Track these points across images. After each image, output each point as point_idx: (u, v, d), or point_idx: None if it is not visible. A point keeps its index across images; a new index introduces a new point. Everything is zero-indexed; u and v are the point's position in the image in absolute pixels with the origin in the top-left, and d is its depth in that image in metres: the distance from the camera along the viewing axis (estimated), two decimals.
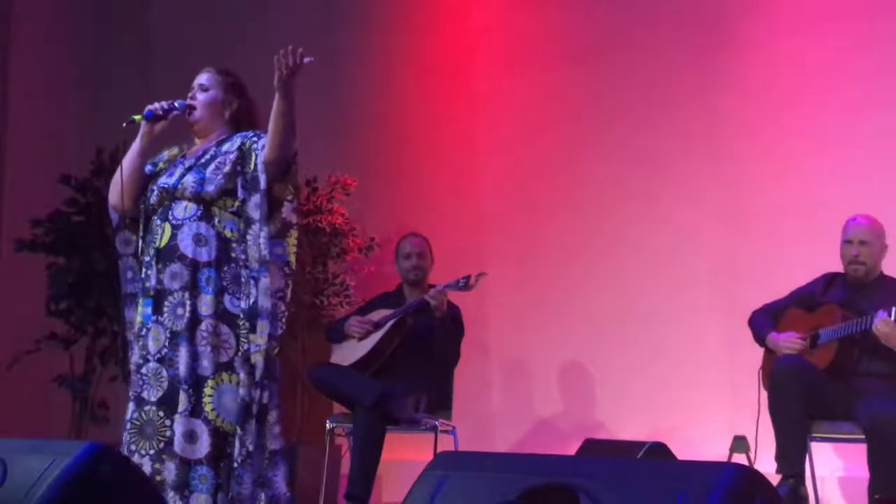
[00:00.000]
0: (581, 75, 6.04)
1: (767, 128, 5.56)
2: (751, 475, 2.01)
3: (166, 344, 3.44)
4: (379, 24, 6.64)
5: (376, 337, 4.90)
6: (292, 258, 3.54)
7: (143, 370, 3.45)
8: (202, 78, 3.68)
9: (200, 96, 3.65)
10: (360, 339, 4.93)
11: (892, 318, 4.11)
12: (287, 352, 5.82)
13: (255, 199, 3.45)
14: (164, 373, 3.42)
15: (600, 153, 5.94)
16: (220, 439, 3.39)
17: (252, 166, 3.48)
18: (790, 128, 5.51)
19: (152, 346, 3.45)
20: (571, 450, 4.81)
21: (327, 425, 4.99)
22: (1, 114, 6.43)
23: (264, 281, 3.44)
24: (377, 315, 4.98)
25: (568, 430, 5.75)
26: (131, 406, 3.46)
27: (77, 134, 6.36)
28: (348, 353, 4.94)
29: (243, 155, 3.51)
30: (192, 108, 3.62)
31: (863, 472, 4.21)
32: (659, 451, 4.24)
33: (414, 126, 6.48)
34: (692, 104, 5.71)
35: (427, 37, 6.54)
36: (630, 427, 5.44)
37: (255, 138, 3.53)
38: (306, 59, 3.35)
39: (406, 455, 4.95)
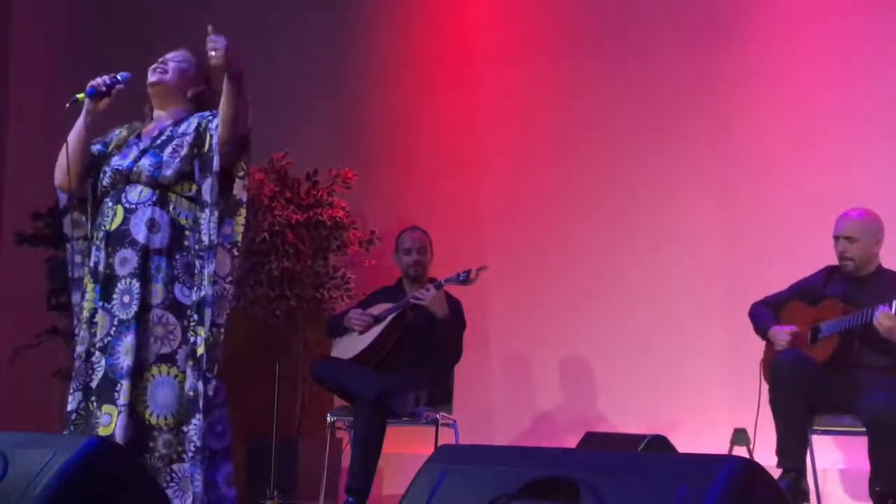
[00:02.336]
0: (584, 69, 6.04)
1: (769, 121, 5.55)
2: (751, 468, 2.01)
3: (111, 332, 3.30)
4: (380, 19, 6.64)
5: (376, 331, 4.90)
6: (239, 238, 3.40)
7: (93, 359, 3.33)
8: (177, 53, 3.57)
9: (173, 64, 3.53)
10: (361, 332, 4.93)
11: (894, 311, 4.11)
12: (289, 345, 5.85)
13: (209, 180, 3.34)
14: (103, 361, 3.29)
15: (602, 147, 5.94)
16: (143, 432, 3.24)
17: (207, 147, 3.37)
18: (793, 122, 5.50)
19: (100, 334, 3.33)
20: (572, 443, 4.81)
21: (328, 419, 4.99)
22: (1, 107, 6.44)
23: (210, 267, 3.31)
24: (377, 309, 4.98)
25: (568, 423, 5.76)
26: (78, 396, 3.33)
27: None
28: (349, 347, 4.94)
29: (200, 136, 3.39)
30: (163, 71, 3.49)
31: (864, 465, 4.21)
32: (659, 444, 4.24)
33: (414, 119, 6.48)
34: (696, 98, 5.70)
35: (428, 30, 6.54)
36: (630, 420, 5.44)
37: (210, 117, 3.42)
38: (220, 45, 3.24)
39: (407, 448, 4.96)
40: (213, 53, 3.26)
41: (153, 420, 3.26)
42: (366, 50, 6.61)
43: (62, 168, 3.45)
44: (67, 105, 3.43)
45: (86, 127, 3.45)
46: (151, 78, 3.52)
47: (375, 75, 6.57)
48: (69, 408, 3.36)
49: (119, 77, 3.47)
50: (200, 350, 3.29)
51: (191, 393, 3.28)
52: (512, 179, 6.17)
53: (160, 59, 3.55)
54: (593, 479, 2.02)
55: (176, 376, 3.30)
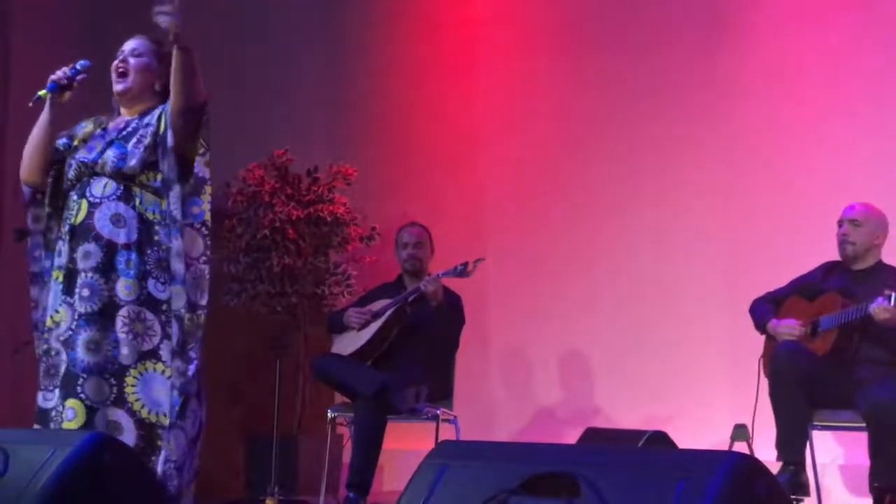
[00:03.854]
0: (584, 66, 6.03)
1: (772, 120, 5.55)
2: (751, 463, 2.01)
3: (72, 326, 3.27)
4: (380, 15, 6.63)
5: (375, 326, 4.90)
6: (208, 216, 3.34)
7: (55, 352, 3.30)
8: (134, 43, 3.49)
9: (133, 61, 3.45)
10: (360, 329, 4.93)
11: (892, 304, 4.10)
12: (289, 342, 5.85)
13: (169, 159, 3.30)
14: (64, 355, 3.25)
15: (603, 143, 5.93)
16: (148, 431, 3.21)
17: (163, 126, 3.32)
18: (794, 120, 5.50)
19: (62, 328, 3.29)
20: (572, 439, 4.81)
21: (329, 415, 5.00)
22: (2, 102, 6.43)
23: (176, 243, 3.26)
24: (377, 305, 4.98)
25: (569, 419, 5.76)
26: (56, 393, 3.27)
27: (76, 123, 6.36)
28: (348, 343, 4.94)
29: (159, 122, 3.35)
30: (123, 73, 3.42)
31: (863, 460, 4.21)
32: (659, 439, 4.24)
33: (415, 115, 6.48)
34: (698, 96, 5.70)
35: (429, 26, 6.54)
36: (630, 416, 5.44)
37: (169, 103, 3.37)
38: None
39: (407, 444, 4.96)
40: (162, 20, 3.20)
41: (153, 418, 3.23)
42: (366, 46, 6.60)
43: (26, 162, 3.44)
44: (31, 104, 3.38)
45: (49, 120, 3.42)
46: (116, 87, 3.46)
47: (376, 71, 6.56)
48: (47, 405, 3.28)
49: (79, 66, 3.43)
50: (180, 333, 3.24)
51: (178, 386, 3.24)
52: (512, 174, 6.17)
53: (119, 56, 3.47)
54: (593, 474, 2.02)
55: (163, 371, 3.26)
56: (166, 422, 3.23)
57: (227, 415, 6.24)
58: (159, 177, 3.34)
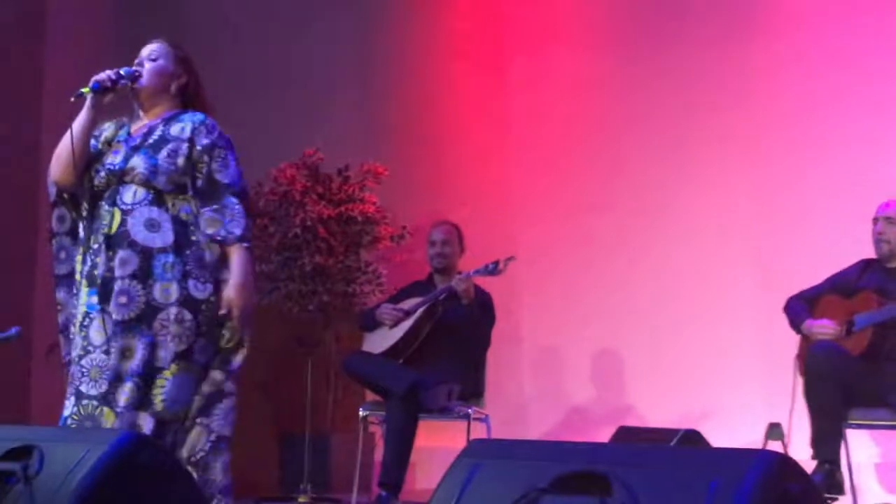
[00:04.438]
0: (617, 61, 6.01)
1: (807, 115, 5.52)
2: (784, 462, 2.00)
3: (110, 336, 3.25)
4: (413, 11, 6.64)
5: (407, 324, 4.90)
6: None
7: (84, 362, 3.27)
8: (152, 47, 3.50)
9: (149, 64, 3.46)
10: (392, 326, 4.94)
11: None
12: (321, 340, 5.87)
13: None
14: (108, 364, 3.24)
15: (634, 139, 5.91)
16: (160, 427, 3.22)
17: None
18: (829, 114, 5.46)
19: (96, 338, 3.26)
20: (604, 437, 4.80)
21: (360, 413, 5.00)
22: (36, 104, 6.49)
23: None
24: (408, 303, 4.99)
25: (600, 417, 5.74)
26: (71, 401, 3.28)
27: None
28: (380, 341, 4.94)
29: (192, 157, 3.36)
30: (139, 74, 3.43)
31: None
32: (692, 438, 4.22)
33: (446, 113, 6.48)
34: (730, 89, 5.67)
35: (460, 24, 6.54)
36: (663, 414, 5.42)
37: (201, 127, 3.39)
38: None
39: (439, 442, 4.96)
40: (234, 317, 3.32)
41: (168, 415, 3.23)
42: (395, 45, 6.61)
43: (62, 161, 3.38)
44: (73, 99, 3.36)
45: (89, 122, 3.39)
46: (133, 86, 3.46)
47: (407, 70, 6.57)
48: (64, 413, 3.31)
49: (123, 72, 3.41)
50: (226, 344, 3.31)
51: (214, 386, 3.29)
52: (544, 173, 6.16)
53: (137, 60, 3.49)
54: (626, 473, 2.01)
55: (191, 371, 3.27)
56: (177, 418, 3.25)
57: (259, 413, 6.27)
58: (190, 197, 3.37)
